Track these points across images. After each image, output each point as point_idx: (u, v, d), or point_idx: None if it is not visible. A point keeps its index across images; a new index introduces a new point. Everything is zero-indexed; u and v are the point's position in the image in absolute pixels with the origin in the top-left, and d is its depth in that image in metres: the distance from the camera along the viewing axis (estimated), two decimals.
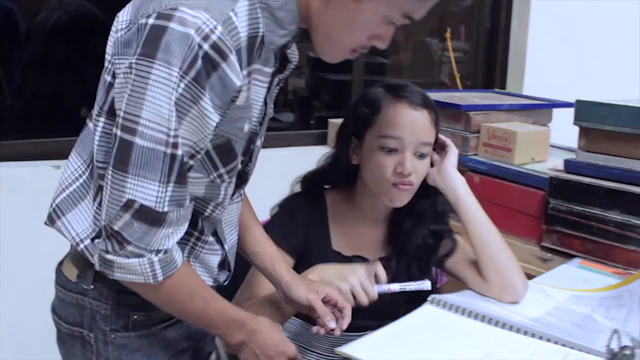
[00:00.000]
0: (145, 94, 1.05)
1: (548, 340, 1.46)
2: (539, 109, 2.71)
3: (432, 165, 1.71)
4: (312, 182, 1.79)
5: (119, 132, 1.09)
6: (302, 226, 1.71)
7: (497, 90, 3.27)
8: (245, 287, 1.66)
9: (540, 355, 1.41)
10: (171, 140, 1.07)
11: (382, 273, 1.54)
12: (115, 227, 1.11)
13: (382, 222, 1.78)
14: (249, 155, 1.31)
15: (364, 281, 1.51)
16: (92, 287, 1.27)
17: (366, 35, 1.19)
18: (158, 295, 1.21)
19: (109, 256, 1.13)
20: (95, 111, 1.22)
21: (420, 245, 1.74)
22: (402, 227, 1.74)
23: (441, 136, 1.72)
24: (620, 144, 2.05)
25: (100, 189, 1.18)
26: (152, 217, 1.11)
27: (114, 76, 1.14)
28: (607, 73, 3.41)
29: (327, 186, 1.80)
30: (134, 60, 1.06)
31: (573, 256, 2.10)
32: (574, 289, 1.78)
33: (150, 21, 1.05)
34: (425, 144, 1.64)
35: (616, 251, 2.02)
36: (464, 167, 2.41)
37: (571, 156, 2.21)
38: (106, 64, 1.19)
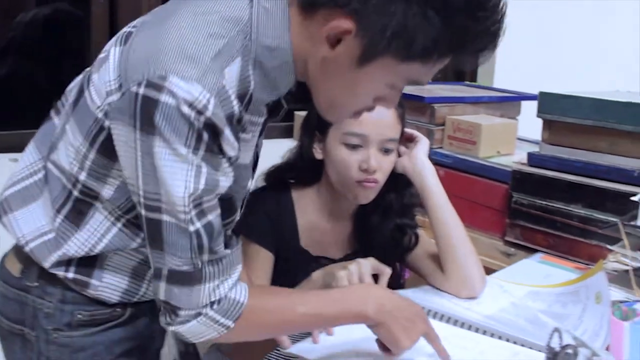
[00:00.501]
0: (159, 174, 1.03)
1: (499, 337, 1.43)
2: (507, 102, 2.67)
3: (399, 156, 1.67)
4: (277, 177, 1.74)
5: (143, 212, 1.07)
6: (273, 220, 1.67)
7: (468, 83, 3.23)
8: None
9: (489, 353, 1.37)
10: (193, 215, 1.06)
11: (384, 278, 1.48)
12: (162, 298, 1.11)
13: (348, 218, 1.74)
14: (243, 201, 1.29)
15: (363, 271, 1.46)
16: (36, 284, 1.22)
17: (370, 99, 1.14)
18: (244, 334, 1.19)
19: (171, 328, 1.13)
20: (69, 116, 1.18)
21: (386, 240, 1.70)
22: (368, 222, 1.71)
23: (407, 130, 1.68)
24: (583, 137, 2.01)
25: (70, 199, 1.16)
26: (185, 278, 1.09)
27: (106, 133, 1.10)
28: (579, 66, 3.38)
29: (292, 181, 1.76)
30: (137, 136, 1.02)
31: (536, 251, 2.06)
32: (532, 284, 1.73)
33: (141, 91, 1.00)
34: (391, 140, 1.60)
35: (579, 246, 1.98)
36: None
37: (536, 149, 2.17)
38: (94, 95, 1.12)
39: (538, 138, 2.54)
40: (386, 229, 1.69)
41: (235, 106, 1.04)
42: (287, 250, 1.67)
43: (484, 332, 1.45)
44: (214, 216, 1.08)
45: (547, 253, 2.03)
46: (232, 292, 1.13)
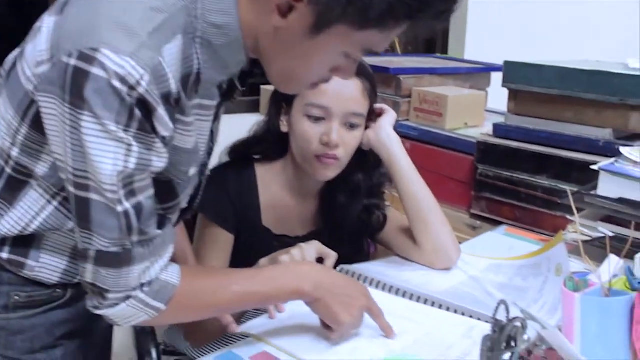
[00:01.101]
0: (86, 150, 0.97)
1: (455, 311, 1.38)
2: (476, 73, 2.62)
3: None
4: (241, 152, 1.69)
5: (72, 190, 1.02)
6: (234, 199, 1.62)
7: (438, 55, 3.18)
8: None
9: (444, 327, 1.33)
10: (122, 195, 1.00)
11: (330, 262, 1.45)
12: (88, 280, 1.07)
13: (314, 196, 1.69)
14: (198, 188, 1.26)
15: (306, 255, 1.43)
16: None
17: (326, 69, 1.09)
18: (177, 316, 1.17)
19: (99, 312, 1.09)
20: (2, 89, 1.12)
21: (353, 220, 1.66)
22: (335, 202, 1.66)
23: (377, 105, 1.64)
24: (548, 107, 1.97)
25: (3, 176, 1.11)
26: (114, 260, 1.04)
27: (37, 107, 1.03)
28: (553, 38, 3.33)
29: (256, 157, 1.70)
30: (65, 109, 0.96)
31: (502, 223, 2.02)
32: (494, 257, 1.70)
33: (72, 62, 0.94)
34: (356, 115, 1.54)
35: (543, 218, 1.95)
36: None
37: (503, 120, 2.12)
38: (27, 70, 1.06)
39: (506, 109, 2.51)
40: (354, 210, 1.65)
41: (173, 86, 0.98)
42: (248, 229, 1.63)
43: (440, 306, 1.41)
44: (144, 197, 1.03)
45: (513, 225, 1.99)
46: (164, 273, 1.09)
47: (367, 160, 1.64)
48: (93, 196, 1.00)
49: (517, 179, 1.99)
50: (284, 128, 1.60)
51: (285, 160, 1.65)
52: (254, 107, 2.92)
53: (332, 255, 1.44)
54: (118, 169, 0.97)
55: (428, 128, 2.29)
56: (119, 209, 1.00)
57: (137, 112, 0.95)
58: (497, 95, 2.53)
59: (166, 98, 0.99)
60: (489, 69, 2.64)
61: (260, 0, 1.01)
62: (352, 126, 1.54)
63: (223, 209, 1.59)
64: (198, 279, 1.16)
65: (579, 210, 1.56)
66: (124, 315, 1.08)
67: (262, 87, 2.85)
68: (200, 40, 1.03)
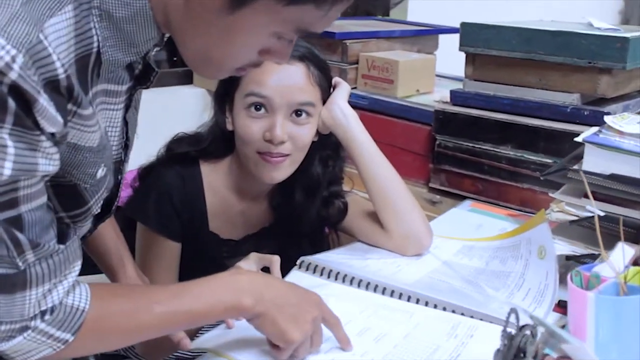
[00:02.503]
0: None
1: (435, 306, 1.24)
2: (423, 36, 2.47)
3: None
4: (183, 152, 1.47)
5: None
6: (178, 205, 1.43)
7: (380, 17, 3.02)
8: None
9: (426, 327, 1.19)
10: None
11: (275, 268, 1.28)
12: None
13: (262, 197, 1.51)
14: (116, 189, 1.08)
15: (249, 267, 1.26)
16: None
17: (254, 52, 0.90)
18: (90, 347, 0.97)
19: None
20: None
21: (311, 216, 1.49)
22: (290, 200, 1.48)
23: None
24: (510, 71, 1.84)
25: None
26: (5, 283, 0.83)
27: None
28: None
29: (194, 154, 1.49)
30: None
31: (464, 197, 1.89)
32: (465, 238, 1.56)
33: None
34: (303, 104, 1.36)
35: (509, 190, 1.83)
36: None
37: (459, 86, 1.98)
38: None
39: (458, 74, 2.37)
40: (312, 206, 1.48)
41: (59, 70, 0.78)
42: (194, 235, 1.45)
43: (417, 301, 1.26)
44: (32, 206, 0.82)
45: (476, 199, 1.87)
46: (69, 297, 0.89)
47: (324, 146, 1.47)
48: None
49: (479, 149, 1.85)
50: (229, 126, 1.41)
51: (232, 158, 1.47)
52: (186, 79, 2.70)
53: (274, 260, 1.28)
54: None
55: (378, 96, 2.13)
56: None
57: (12, 104, 0.75)
58: (446, 60, 2.40)
59: (52, 86, 0.78)
60: (437, 30, 2.49)
61: None
62: (300, 117, 1.37)
63: (166, 217, 1.41)
64: (112, 301, 0.96)
65: (558, 185, 1.43)
66: (22, 349, 0.88)
67: None
68: (99, 12, 0.83)
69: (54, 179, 0.88)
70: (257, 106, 1.35)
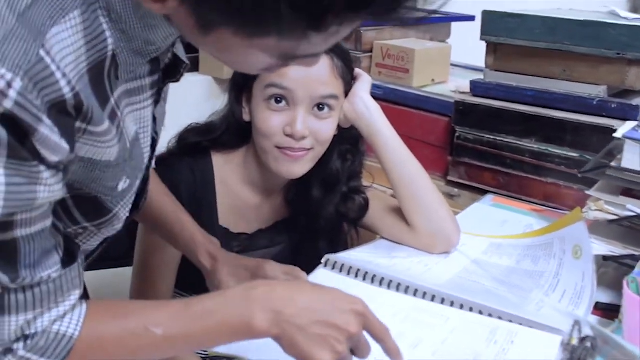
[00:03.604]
0: None
1: (470, 309, 1.19)
2: (438, 24, 2.41)
3: None
4: (195, 142, 1.42)
5: None
6: (186, 199, 1.36)
7: None
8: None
9: (462, 331, 1.13)
10: None
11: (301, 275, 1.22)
12: None
13: (277, 191, 1.46)
14: (144, 186, 0.99)
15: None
16: None
17: (261, 65, 0.77)
18: None
19: None
20: None
21: (329, 213, 1.43)
22: (308, 196, 1.42)
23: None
24: (534, 61, 1.78)
25: None
26: None
27: None
28: None
29: (206, 144, 1.44)
30: None
31: (483, 191, 1.84)
32: (492, 235, 1.51)
33: None
34: (326, 98, 1.30)
35: (532, 184, 1.77)
36: None
37: (478, 76, 1.93)
38: None
39: (473, 63, 2.32)
40: (331, 202, 1.42)
41: (65, 89, 0.69)
42: (204, 229, 1.38)
43: (452, 304, 1.21)
44: (31, 231, 0.74)
45: (496, 193, 1.81)
46: (56, 324, 0.81)
47: (343, 140, 1.41)
48: None
49: (500, 142, 1.80)
50: (246, 117, 1.36)
51: (247, 150, 1.41)
52: (192, 66, 2.62)
53: (296, 270, 1.21)
54: None
55: (393, 86, 2.07)
56: None
57: (4, 135, 0.66)
58: (457, 48, 2.35)
59: (58, 108, 0.69)
60: (453, 18, 2.43)
61: None
62: (322, 111, 1.31)
63: None
64: (106, 324, 0.85)
65: (592, 182, 1.38)
66: None
67: None
68: (107, 13, 0.74)
69: (72, 191, 0.81)
70: (278, 98, 1.29)
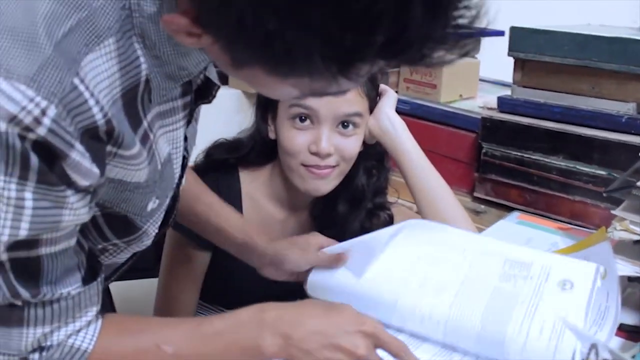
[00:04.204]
0: None
1: None
2: (467, 39, 2.40)
3: None
4: (222, 158, 1.44)
5: None
6: None
7: None
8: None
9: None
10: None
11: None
12: None
13: (303, 208, 1.46)
14: (174, 202, 1.00)
15: None
16: None
17: (290, 96, 0.78)
18: None
19: None
20: None
21: (354, 229, 1.43)
22: (334, 213, 1.43)
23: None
24: (562, 78, 1.77)
25: None
26: (4, 315, 0.79)
27: None
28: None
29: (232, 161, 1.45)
30: None
31: (510, 208, 1.83)
32: None
33: None
34: (350, 116, 1.31)
35: (559, 202, 1.76)
36: None
37: (505, 92, 1.92)
38: None
39: (502, 79, 2.31)
40: (356, 218, 1.42)
41: (98, 116, 0.71)
42: None
43: None
44: (55, 249, 0.77)
45: (523, 210, 1.80)
46: (72, 337, 0.83)
47: (368, 156, 1.42)
48: None
49: (527, 159, 1.79)
50: (271, 134, 1.37)
51: (273, 167, 1.42)
52: (222, 80, 2.64)
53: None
54: (2, 239, 0.72)
55: (421, 101, 2.07)
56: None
57: (34, 161, 0.69)
58: (487, 63, 2.34)
59: (91, 134, 0.71)
60: (482, 33, 2.41)
61: None
62: (347, 129, 1.31)
63: None
64: (119, 340, 0.88)
65: (613, 199, 1.37)
66: None
67: None
68: (141, 39, 0.76)
69: (103, 209, 0.84)
70: (302, 117, 1.30)
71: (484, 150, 1.86)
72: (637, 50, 1.65)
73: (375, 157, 1.44)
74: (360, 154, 1.38)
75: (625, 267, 1.29)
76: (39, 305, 0.79)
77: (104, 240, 0.89)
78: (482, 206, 1.90)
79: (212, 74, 0.95)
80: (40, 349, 0.81)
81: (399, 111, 2.04)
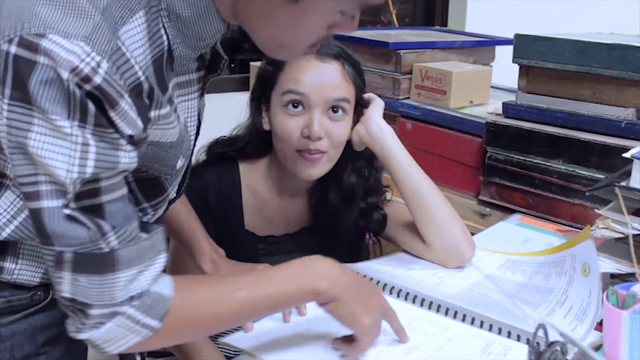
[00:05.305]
0: (34, 153, 0.82)
1: (472, 319, 1.23)
2: (480, 47, 2.45)
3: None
4: (220, 151, 1.53)
5: (27, 203, 0.87)
6: (212, 204, 1.48)
7: (438, 27, 3.00)
8: None
9: (460, 341, 1.18)
10: (83, 197, 0.85)
11: None
12: (66, 294, 0.89)
13: (302, 195, 1.55)
14: (186, 172, 1.14)
15: None
16: None
17: (323, 29, 0.94)
18: (175, 335, 1.00)
19: (82, 336, 0.91)
20: None
21: (349, 225, 1.51)
22: (327, 203, 1.51)
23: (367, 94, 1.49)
24: (564, 84, 1.80)
25: None
26: (97, 263, 0.87)
27: None
28: (559, 9, 3.16)
29: (232, 154, 1.54)
30: (5, 106, 0.81)
31: (514, 211, 1.87)
32: (510, 252, 1.54)
33: (13, 49, 0.80)
34: (339, 101, 1.39)
35: (560, 205, 1.79)
36: (395, 112, 2.15)
37: (512, 98, 1.96)
38: None
39: (515, 86, 2.34)
40: (349, 215, 1.50)
41: (139, 73, 0.85)
42: (229, 233, 1.49)
43: (455, 314, 1.25)
44: (116, 196, 0.88)
45: (526, 213, 1.84)
46: (155, 284, 0.92)
47: (356, 157, 1.49)
48: (45, 204, 0.84)
49: (530, 163, 1.82)
50: (265, 126, 1.46)
51: (270, 158, 1.51)
52: (243, 85, 2.75)
53: None
54: (72, 176, 0.82)
55: (431, 107, 2.12)
56: (80, 217, 0.85)
57: (92, 107, 0.81)
58: (502, 71, 2.37)
59: (137, 91, 0.84)
60: (494, 42, 2.47)
61: None
62: (335, 111, 1.39)
63: (199, 215, 1.44)
64: (195, 289, 0.99)
65: (606, 202, 1.40)
66: (112, 337, 0.91)
67: (252, 63, 2.67)
68: (167, 14, 0.89)
69: (137, 174, 0.95)
70: (295, 104, 1.38)
71: (488, 154, 1.90)
72: (636, 56, 1.68)
73: (363, 159, 1.50)
74: (350, 154, 1.45)
75: (609, 265, 1.33)
76: (124, 245, 0.88)
77: (136, 204, 1.00)
78: (487, 209, 1.94)
79: (220, 49, 1.06)
80: (130, 299, 0.90)
81: (410, 116, 2.12)
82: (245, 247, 1.50)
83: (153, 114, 0.89)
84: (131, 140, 0.87)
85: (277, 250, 1.54)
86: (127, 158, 0.87)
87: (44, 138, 0.81)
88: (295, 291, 1.05)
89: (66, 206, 0.84)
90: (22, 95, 0.80)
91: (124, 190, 0.90)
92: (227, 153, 1.51)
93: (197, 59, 0.99)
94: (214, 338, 1.43)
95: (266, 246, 1.52)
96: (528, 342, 0.88)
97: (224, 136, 1.53)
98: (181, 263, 1.45)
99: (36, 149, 0.81)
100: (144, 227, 0.93)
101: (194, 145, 1.13)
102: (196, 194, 1.45)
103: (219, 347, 1.36)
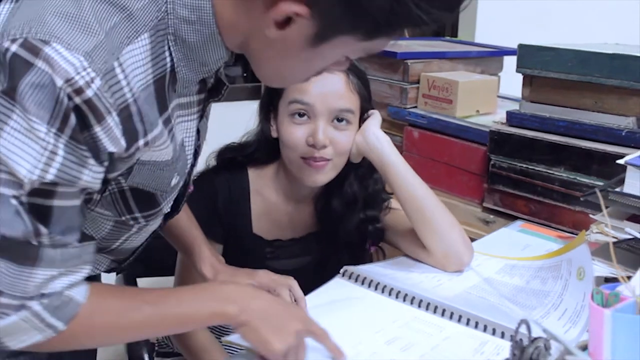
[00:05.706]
0: (3, 145, 0.85)
1: (468, 320, 1.26)
2: (488, 57, 2.48)
3: None
4: (229, 157, 1.58)
5: None
6: (221, 208, 1.53)
7: (448, 38, 3.04)
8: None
9: (455, 341, 1.21)
10: (35, 194, 0.88)
11: (301, 304, 1.33)
12: None
13: (309, 201, 1.59)
14: (184, 189, 1.19)
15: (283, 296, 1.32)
16: None
17: (322, 69, 1.01)
18: (79, 340, 1.00)
19: None
20: None
21: (351, 230, 1.56)
22: (331, 209, 1.56)
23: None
24: (566, 93, 1.84)
25: None
26: (20, 252, 0.90)
27: None
28: (568, 20, 3.19)
29: (241, 159, 1.60)
30: None
31: (516, 218, 1.90)
32: (509, 257, 1.58)
33: (14, 48, 0.84)
34: (343, 111, 1.44)
35: (561, 212, 1.82)
36: (403, 121, 2.19)
37: (517, 108, 1.99)
38: None
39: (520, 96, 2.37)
40: (351, 220, 1.55)
41: (127, 95, 0.88)
42: (237, 237, 1.54)
43: (451, 315, 1.28)
44: (67, 204, 0.91)
45: (528, 220, 1.87)
46: (70, 290, 0.95)
47: (358, 165, 1.54)
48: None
49: (532, 170, 1.86)
50: (274, 133, 1.51)
51: (278, 164, 1.56)
52: (255, 94, 2.79)
53: (301, 299, 1.32)
54: (32, 177, 0.86)
55: (437, 116, 2.15)
56: (23, 212, 0.88)
57: (73, 119, 0.85)
58: (511, 81, 2.40)
59: (125, 114, 0.89)
60: (502, 52, 2.50)
61: (248, 4, 0.91)
62: (340, 121, 1.44)
63: (208, 219, 1.49)
64: (106, 298, 1.01)
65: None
66: (14, 331, 0.92)
67: None
68: (173, 38, 0.93)
69: (133, 187, 1.01)
70: (300, 113, 1.43)
71: (492, 162, 1.93)
72: (637, 66, 1.71)
73: (366, 168, 1.55)
74: (353, 163, 1.50)
75: (603, 269, 1.35)
76: (52, 246, 0.91)
77: (129, 212, 1.05)
78: (491, 216, 1.97)
79: (223, 76, 1.10)
80: (41, 295, 0.92)
81: (417, 125, 2.16)
82: (252, 250, 1.54)
83: (142, 141, 0.93)
84: (109, 157, 0.91)
85: (284, 254, 1.58)
86: (90, 177, 0.90)
87: (17, 134, 0.84)
88: (205, 313, 1.07)
89: (16, 198, 0.87)
90: (9, 91, 0.84)
91: (77, 202, 0.93)
92: (237, 159, 1.56)
93: (199, 82, 1.03)
94: (218, 337, 1.48)
95: (273, 250, 1.57)
96: (511, 338, 0.90)
97: (234, 142, 1.58)
98: (189, 273, 1.49)
99: (5, 141, 0.84)
100: (84, 237, 0.96)
101: (194, 165, 1.17)
102: (206, 198, 1.50)
103: (223, 346, 1.40)
